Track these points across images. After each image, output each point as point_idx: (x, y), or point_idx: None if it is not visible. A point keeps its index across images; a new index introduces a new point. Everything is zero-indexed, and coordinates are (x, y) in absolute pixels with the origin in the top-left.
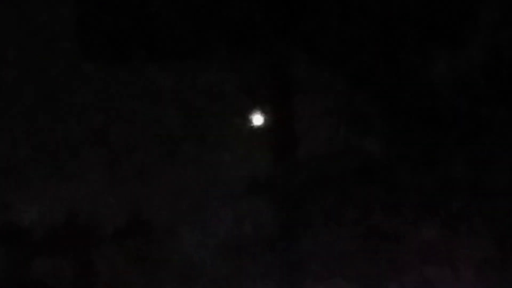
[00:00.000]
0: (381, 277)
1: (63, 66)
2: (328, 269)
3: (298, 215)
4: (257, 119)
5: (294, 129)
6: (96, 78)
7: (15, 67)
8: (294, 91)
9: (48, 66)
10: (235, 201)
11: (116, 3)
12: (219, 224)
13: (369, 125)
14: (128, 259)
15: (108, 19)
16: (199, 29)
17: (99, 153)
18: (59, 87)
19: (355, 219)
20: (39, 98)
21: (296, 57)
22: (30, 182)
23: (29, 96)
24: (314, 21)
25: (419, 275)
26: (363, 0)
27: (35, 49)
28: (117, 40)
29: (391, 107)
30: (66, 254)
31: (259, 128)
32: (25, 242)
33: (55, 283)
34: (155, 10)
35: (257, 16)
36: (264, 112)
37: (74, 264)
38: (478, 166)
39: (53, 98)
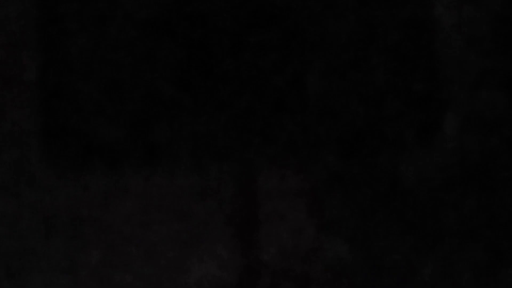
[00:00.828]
0: None
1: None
2: None
3: None
4: (221, 224)
5: (260, 230)
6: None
7: None
8: (259, 195)
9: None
10: None
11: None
12: None
13: (339, 227)
14: None
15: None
16: (163, 140)
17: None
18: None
19: None
20: None
21: (262, 159)
22: None
23: None
24: (280, 124)
25: None
26: (329, 103)
27: None
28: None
29: (361, 209)
30: None
31: (222, 232)
32: None
33: None
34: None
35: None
36: (229, 214)
37: None
38: (446, 269)
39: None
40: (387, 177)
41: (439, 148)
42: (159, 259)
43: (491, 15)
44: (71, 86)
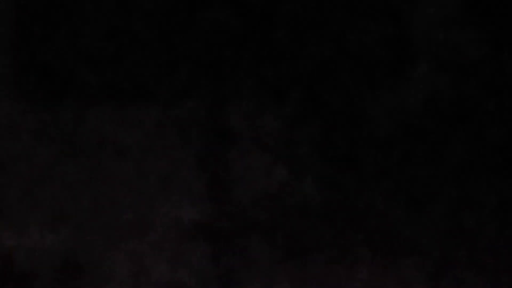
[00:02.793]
0: None
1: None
2: None
3: (235, 259)
4: (193, 163)
5: (231, 170)
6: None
7: None
8: (229, 132)
9: None
10: (172, 245)
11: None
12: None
13: (306, 167)
14: None
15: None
16: (137, 73)
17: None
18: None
19: (294, 262)
20: None
21: (231, 98)
22: None
23: None
24: (249, 59)
25: None
26: (299, 39)
27: None
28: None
29: (329, 149)
30: None
31: (194, 171)
32: None
33: None
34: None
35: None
36: (199, 156)
37: None
38: (418, 208)
39: None
40: (358, 118)
41: (410, 90)
42: (133, 195)
43: None
44: (47, 24)
